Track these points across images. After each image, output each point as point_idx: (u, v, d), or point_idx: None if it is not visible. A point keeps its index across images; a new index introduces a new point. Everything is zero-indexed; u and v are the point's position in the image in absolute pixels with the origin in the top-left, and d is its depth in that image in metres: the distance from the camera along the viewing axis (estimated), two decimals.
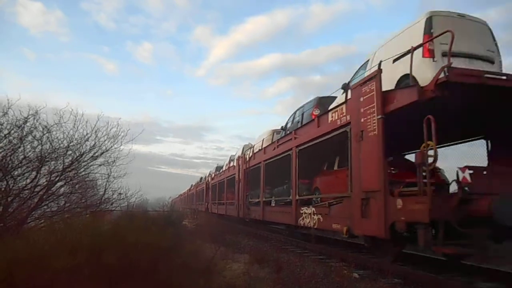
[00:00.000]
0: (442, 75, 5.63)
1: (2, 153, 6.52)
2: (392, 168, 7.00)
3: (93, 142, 8.12)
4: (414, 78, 6.35)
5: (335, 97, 9.65)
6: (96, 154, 8.26)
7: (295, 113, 12.98)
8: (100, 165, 8.71)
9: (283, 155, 12.10)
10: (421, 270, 7.46)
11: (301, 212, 10.42)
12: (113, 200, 9.39)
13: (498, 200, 5.32)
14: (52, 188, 7.27)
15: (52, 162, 7.39)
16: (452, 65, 5.79)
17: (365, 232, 7.36)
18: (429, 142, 5.70)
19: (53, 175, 7.23)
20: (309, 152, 10.38)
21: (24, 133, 6.84)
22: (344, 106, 8.29)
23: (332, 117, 8.84)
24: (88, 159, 8.15)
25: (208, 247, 8.08)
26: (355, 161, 7.65)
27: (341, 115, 8.35)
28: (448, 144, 9.03)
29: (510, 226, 5.14)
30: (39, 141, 7.11)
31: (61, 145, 7.57)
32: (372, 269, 7.98)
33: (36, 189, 6.87)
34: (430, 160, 5.74)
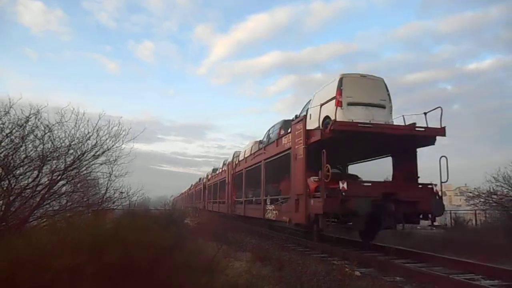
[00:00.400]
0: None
1: (4, 152, 6.50)
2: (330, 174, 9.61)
3: (94, 141, 8.11)
4: (330, 118, 9.36)
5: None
6: (98, 153, 8.24)
7: (269, 130, 15.44)
8: (101, 164, 8.70)
9: (256, 165, 15.28)
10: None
11: (267, 208, 13.56)
12: (115, 199, 9.38)
13: (357, 200, 8.66)
14: (54, 187, 7.26)
15: (54, 161, 7.38)
16: (353, 112, 9.29)
17: (297, 221, 10.56)
18: (327, 165, 8.90)
19: (55, 174, 7.22)
20: (273, 164, 13.46)
21: (26, 132, 6.83)
22: (290, 134, 11.36)
23: (284, 141, 12.11)
24: (89, 158, 8.13)
25: (210, 245, 8.07)
26: (293, 174, 10.86)
27: (288, 141, 11.56)
28: (372, 159, 12.60)
29: (364, 215, 8.77)
30: (41, 140, 7.10)
31: (63, 144, 7.57)
32: (375, 267, 7.98)
33: (38, 188, 6.86)
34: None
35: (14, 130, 6.64)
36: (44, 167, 7.09)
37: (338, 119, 9.07)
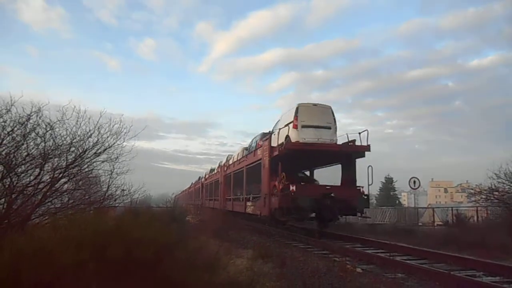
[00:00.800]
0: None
1: (6, 150, 6.51)
2: (282, 179, 12.48)
3: (96, 139, 8.09)
4: (289, 137, 12.49)
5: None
6: (99, 150, 8.23)
7: (252, 140, 18.35)
8: (103, 162, 8.69)
9: (240, 169, 18.38)
10: None
11: (247, 204, 16.62)
12: (117, 197, 9.39)
13: (300, 198, 11.71)
14: (56, 185, 7.27)
15: (56, 159, 7.39)
16: (305, 133, 12.28)
17: (264, 213, 13.58)
18: (282, 173, 12.25)
19: (56, 172, 7.23)
20: (252, 169, 16.26)
21: (27, 130, 6.82)
22: (262, 147, 14.48)
23: (258, 152, 15.02)
24: (91, 156, 8.13)
25: (212, 242, 8.10)
26: (262, 178, 13.93)
27: (260, 153, 14.53)
28: (325, 166, 16.03)
29: (307, 209, 12.06)
30: (42, 138, 7.10)
31: (64, 141, 7.56)
32: (376, 264, 8.00)
33: (40, 186, 6.87)
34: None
35: (15, 128, 6.63)
36: (46, 165, 7.09)
37: (293, 139, 12.31)
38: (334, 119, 13.07)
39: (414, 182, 22.17)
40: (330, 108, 13.23)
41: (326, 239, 12.35)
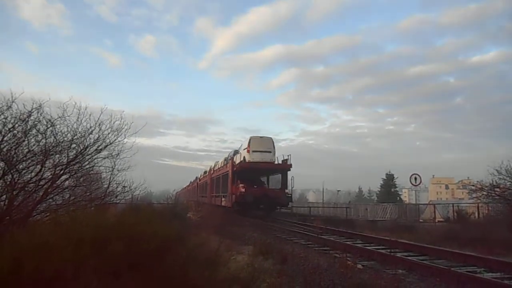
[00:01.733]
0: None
1: (7, 146, 6.50)
2: (243, 185, 19.62)
3: (96, 135, 8.06)
4: (245, 158, 20.31)
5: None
6: (100, 147, 8.21)
7: (229, 154, 24.69)
8: (104, 158, 8.67)
9: (219, 175, 25.57)
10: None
11: (222, 200, 23.16)
12: (118, 193, 9.41)
13: (247, 196, 19.12)
14: (57, 182, 7.26)
15: (57, 156, 7.37)
16: (254, 155, 20.19)
17: (229, 205, 20.77)
18: (238, 181, 20.52)
19: (57, 169, 7.22)
20: (225, 177, 22.94)
21: (28, 127, 6.80)
22: (229, 163, 21.90)
23: (228, 166, 22.10)
24: (92, 152, 8.11)
25: (212, 239, 8.11)
26: (228, 183, 21.35)
27: (228, 167, 21.82)
28: (271, 175, 23.90)
29: (251, 203, 19.31)
30: (43, 135, 7.08)
31: (65, 138, 7.53)
32: (377, 260, 8.00)
33: (41, 183, 6.86)
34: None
35: (16, 125, 6.61)
36: (47, 162, 7.08)
37: (246, 159, 19.78)
38: (274, 146, 20.72)
39: (415, 178, 22.20)
40: (271, 138, 21.18)
41: (327, 235, 12.36)
